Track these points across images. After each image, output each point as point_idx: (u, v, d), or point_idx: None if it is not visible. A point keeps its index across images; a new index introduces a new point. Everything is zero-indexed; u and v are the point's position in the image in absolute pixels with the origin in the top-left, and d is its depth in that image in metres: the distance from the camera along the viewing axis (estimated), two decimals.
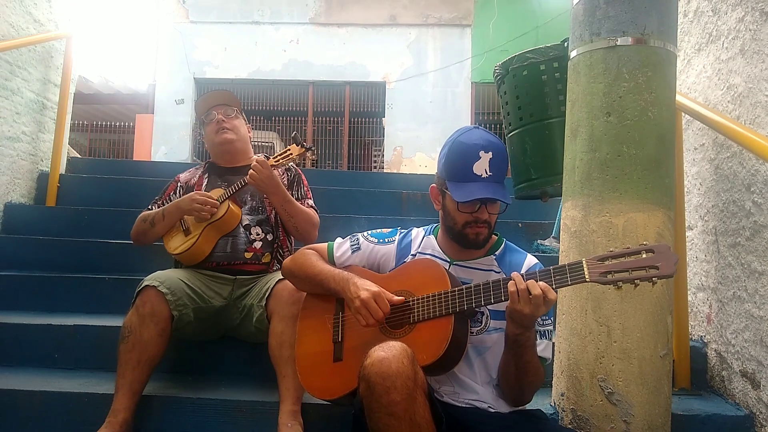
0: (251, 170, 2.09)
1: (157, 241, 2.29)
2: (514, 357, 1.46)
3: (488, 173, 1.50)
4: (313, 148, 2.17)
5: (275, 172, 2.14)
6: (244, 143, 2.40)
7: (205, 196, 2.17)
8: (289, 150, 2.14)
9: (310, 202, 2.34)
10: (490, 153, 1.50)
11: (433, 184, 1.64)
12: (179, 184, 2.39)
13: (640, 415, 1.60)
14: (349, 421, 1.47)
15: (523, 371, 1.47)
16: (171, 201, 2.32)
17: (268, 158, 2.16)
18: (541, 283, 1.35)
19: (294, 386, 1.78)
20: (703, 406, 1.96)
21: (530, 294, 1.33)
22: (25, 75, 3.36)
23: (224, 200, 2.19)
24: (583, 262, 1.33)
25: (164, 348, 1.90)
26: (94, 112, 10.39)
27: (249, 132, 2.45)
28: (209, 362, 2.19)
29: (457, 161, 1.52)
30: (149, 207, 2.36)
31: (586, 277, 1.31)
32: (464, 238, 1.56)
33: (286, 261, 1.77)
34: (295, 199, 2.29)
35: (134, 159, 8.94)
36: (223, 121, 2.32)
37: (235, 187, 2.19)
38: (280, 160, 2.14)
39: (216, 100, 2.38)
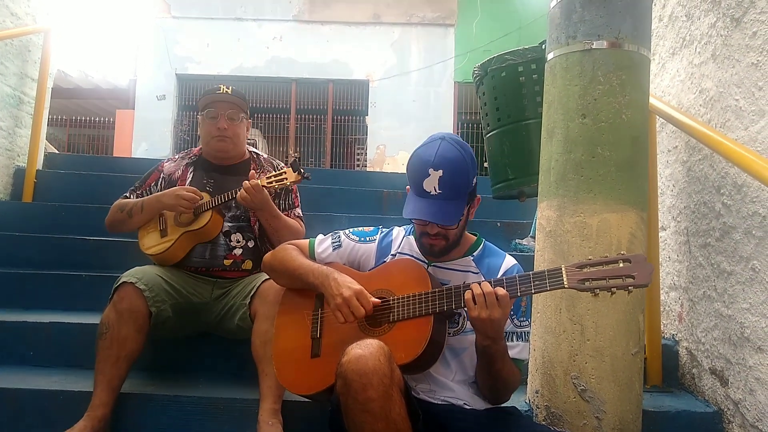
0: (243, 191, 2.02)
1: (133, 233, 2.25)
2: (485, 365, 1.48)
3: (437, 191, 1.48)
4: (309, 176, 2.10)
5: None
6: (241, 146, 2.29)
7: (192, 191, 2.10)
8: (284, 175, 2.06)
9: (298, 211, 2.29)
10: (440, 171, 1.47)
11: (408, 186, 1.65)
12: (162, 175, 2.28)
13: (611, 411, 1.63)
14: (326, 419, 1.48)
15: (495, 378, 1.50)
16: (151, 192, 2.25)
17: (260, 167, 2.09)
18: (484, 283, 1.39)
19: (276, 384, 1.78)
20: (673, 402, 2.00)
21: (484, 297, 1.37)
22: (1, 69, 3.31)
23: (208, 209, 2.11)
24: (563, 268, 1.36)
25: (143, 344, 1.89)
26: (73, 107, 10.24)
27: (248, 131, 2.32)
28: (188, 359, 2.18)
29: (413, 174, 1.53)
30: (126, 195, 2.27)
31: (565, 283, 1.35)
32: (423, 247, 1.60)
33: (267, 256, 1.77)
34: (283, 207, 2.24)
35: (114, 155, 8.83)
36: (225, 129, 2.19)
37: (222, 198, 2.11)
38: (274, 183, 2.06)
39: (223, 96, 2.22)
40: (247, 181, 2.04)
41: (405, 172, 1.63)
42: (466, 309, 1.52)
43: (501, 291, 1.37)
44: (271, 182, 2.07)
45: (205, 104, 2.24)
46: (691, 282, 2.13)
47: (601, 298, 1.62)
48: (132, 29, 9.70)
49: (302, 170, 2.07)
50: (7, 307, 2.47)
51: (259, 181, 2.05)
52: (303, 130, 9.91)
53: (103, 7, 10.12)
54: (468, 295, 1.38)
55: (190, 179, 2.24)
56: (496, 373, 1.48)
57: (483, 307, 1.36)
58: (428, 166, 1.49)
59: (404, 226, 1.75)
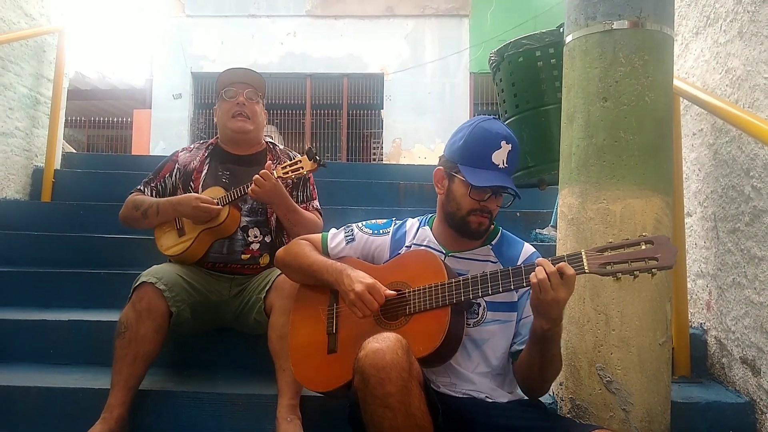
0: (254, 183, 1.98)
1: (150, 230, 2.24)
2: (540, 352, 1.42)
3: (505, 164, 1.50)
4: (325, 164, 2.04)
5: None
6: (259, 131, 2.26)
7: (207, 202, 2.05)
8: (299, 163, 2.01)
9: (316, 203, 2.26)
10: (510, 145, 1.50)
11: (440, 167, 1.59)
12: (177, 165, 2.25)
13: (639, 403, 1.58)
14: (345, 414, 1.45)
15: (548, 364, 1.44)
16: (165, 184, 2.23)
17: (276, 157, 2.06)
18: (544, 261, 1.32)
19: (293, 380, 1.76)
20: (703, 393, 1.94)
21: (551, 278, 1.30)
22: (17, 70, 3.33)
23: (224, 205, 2.07)
24: (582, 253, 1.31)
25: (161, 344, 1.87)
26: (91, 108, 10.37)
27: (264, 118, 2.31)
28: (206, 356, 2.18)
29: (477, 147, 1.50)
30: (141, 188, 2.24)
31: (586, 268, 1.30)
32: (466, 226, 1.53)
33: (279, 251, 1.75)
34: (301, 200, 2.21)
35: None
36: (244, 104, 2.18)
37: (236, 193, 2.06)
38: (289, 173, 2.01)
39: (242, 77, 2.22)
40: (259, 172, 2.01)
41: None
42: (484, 299, 1.49)
43: (569, 270, 1.29)
44: (286, 172, 2.01)
45: (222, 85, 2.24)
46: (720, 269, 2.06)
47: (625, 287, 1.58)
48: (147, 29, 9.78)
49: (318, 158, 2.01)
50: (27, 306, 2.49)
51: (274, 171, 2.01)
52: (319, 125, 9.91)
53: (117, 8, 10.20)
54: (533, 279, 1.31)
55: (205, 171, 2.21)
56: (551, 358, 1.42)
57: (548, 289, 1.29)
58: (501, 138, 1.50)
59: (418, 218, 1.71)
